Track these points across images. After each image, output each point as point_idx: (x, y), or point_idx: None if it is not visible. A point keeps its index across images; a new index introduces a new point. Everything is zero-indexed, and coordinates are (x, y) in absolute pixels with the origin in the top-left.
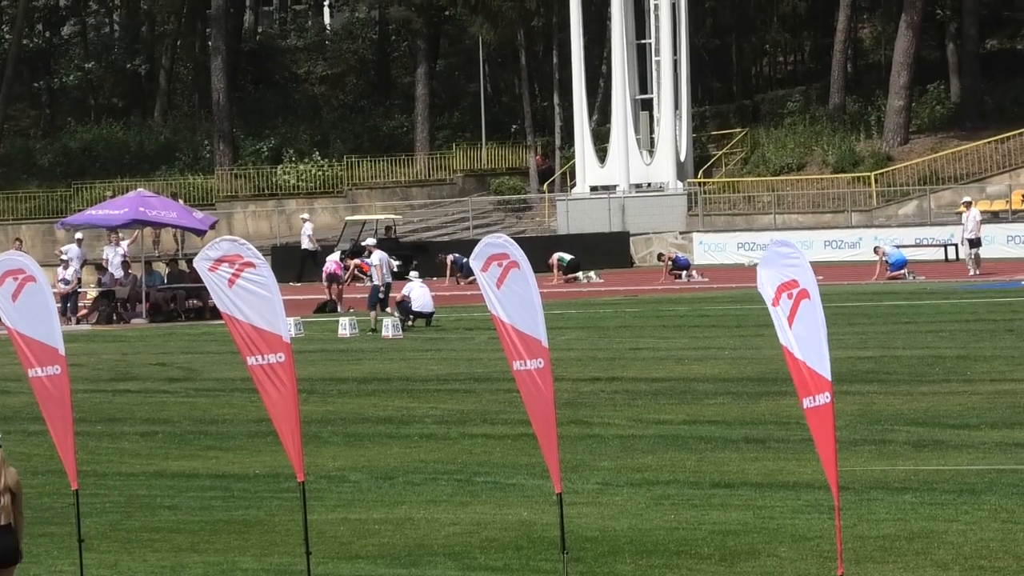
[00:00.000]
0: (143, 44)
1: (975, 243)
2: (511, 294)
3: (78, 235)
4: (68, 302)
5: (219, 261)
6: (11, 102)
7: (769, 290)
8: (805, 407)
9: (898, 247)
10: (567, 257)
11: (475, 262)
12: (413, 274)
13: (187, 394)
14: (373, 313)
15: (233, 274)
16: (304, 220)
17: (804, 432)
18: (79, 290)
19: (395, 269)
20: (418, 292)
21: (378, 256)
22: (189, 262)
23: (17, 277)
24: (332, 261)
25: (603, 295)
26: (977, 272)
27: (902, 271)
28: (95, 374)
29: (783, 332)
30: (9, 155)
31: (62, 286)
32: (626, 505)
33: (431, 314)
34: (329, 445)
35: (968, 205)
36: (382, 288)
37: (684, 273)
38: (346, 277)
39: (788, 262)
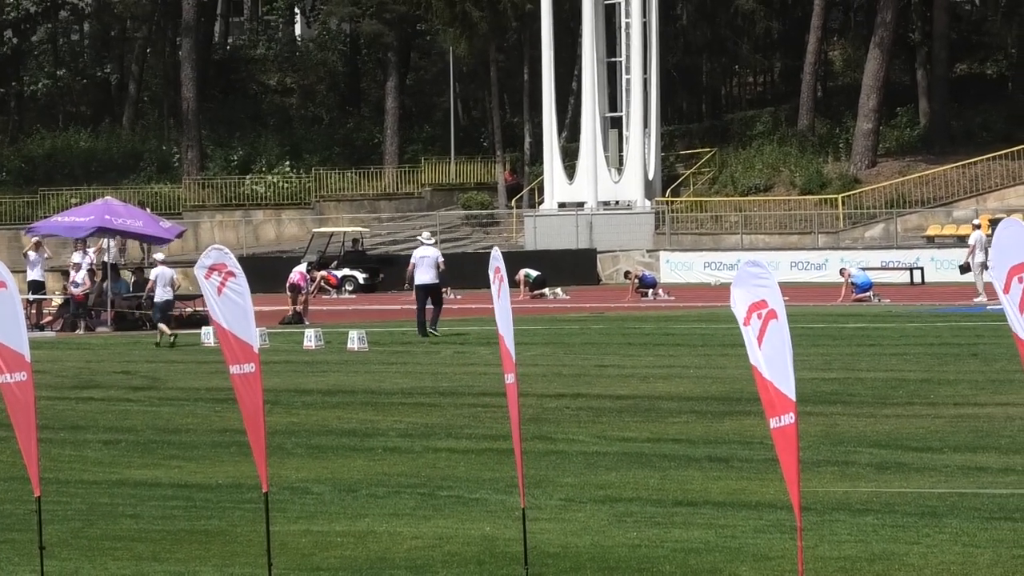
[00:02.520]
0: (113, 52)
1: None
2: (503, 307)
3: (35, 238)
4: (80, 308)
5: (211, 269)
6: None
7: (741, 309)
8: (771, 427)
9: (864, 270)
10: (533, 273)
11: (491, 272)
12: (425, 234)
13: (151, 403)
14: (162, 326)
15: (221, 282)
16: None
17: (767, 452)
18: (43, 297)
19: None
20: (419, 263)
21: (155, 272)
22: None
23: None
24: (296, 272)
25: (569, 312)
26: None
27: (867, 293)
28: (59, 381)
29: (753, 352)
30: None
31: (73, 289)
32: (589, 522)
33: (436, 287)
34: (292, 456)
35: (977, 227)
36: (161, 304)
37: (650, 291)
38: (312, 289)
39: (758, 282)
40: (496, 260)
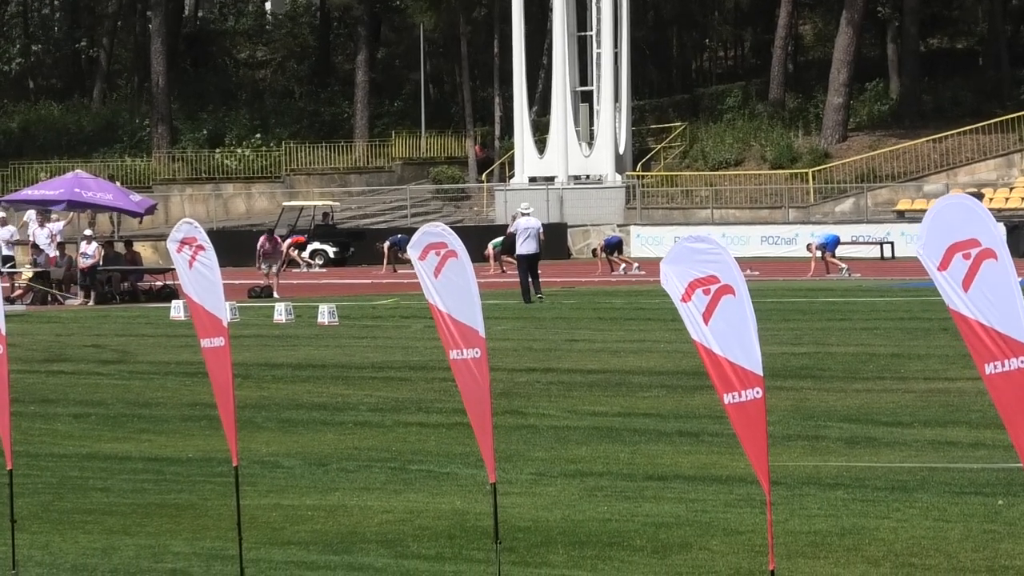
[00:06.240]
0: (84, 25)
1: None
2: (448, 283)
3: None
4: (89, 277)
5: (182, 243)
6: None
7: (677, 286)
8: (726, 403)
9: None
10: (499, 240)
11: (413, 250)
12: (524, 205)
13: (121, 376)
14: None
15: (191, 256)
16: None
17: None
18: (13, 271)
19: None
20: (522, 233)
21: None
22: (129, 244)
23: None
24: (262, 238)
25: (540, 286)
26: None
27: (837, 260)
28: (29, 355)
29: (696, 328)
30: None
31: (83, 260)
32: (559, 496)
33: (538, 256)
34: (263, 430)
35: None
36: None
37: (616, 253)
38: (283, 260)
39: (705, 258)
40: (432, 236)
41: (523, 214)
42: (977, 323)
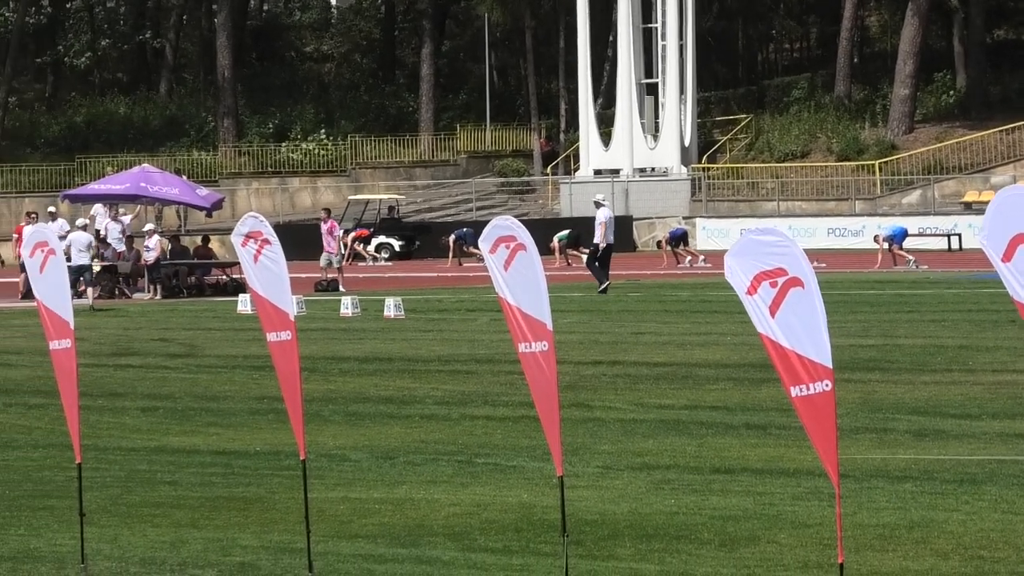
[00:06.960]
0: (149, 19)
1: None
2: (518, 276)
3: (50, 208)
4: (154, 273)
5: (248, 237)
6: (16, 76)
7: (742, 279)
8: (793, 396)
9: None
10: (565, 233)
11: (484, 243)
12: (600, 196)
13: (188, 370)
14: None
15: (257, 250)
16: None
17: None
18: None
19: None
20: (609, 223)
21: (71, 237)
22: (205, 239)
23: (43, 249)
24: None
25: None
26: None
27: (904, 253)
28: (97, 348)
29: (762, 321)
30: (13, 129)
31: (146, 254)
32: (626, 489)
33: (612, 245)
34: (330, 424)
35: None
36: (74, 269)
37: (681, 245)
38: (347, 253)
39: (773, 250)
40: (502, 229)
41: (603, 204)
42: None
